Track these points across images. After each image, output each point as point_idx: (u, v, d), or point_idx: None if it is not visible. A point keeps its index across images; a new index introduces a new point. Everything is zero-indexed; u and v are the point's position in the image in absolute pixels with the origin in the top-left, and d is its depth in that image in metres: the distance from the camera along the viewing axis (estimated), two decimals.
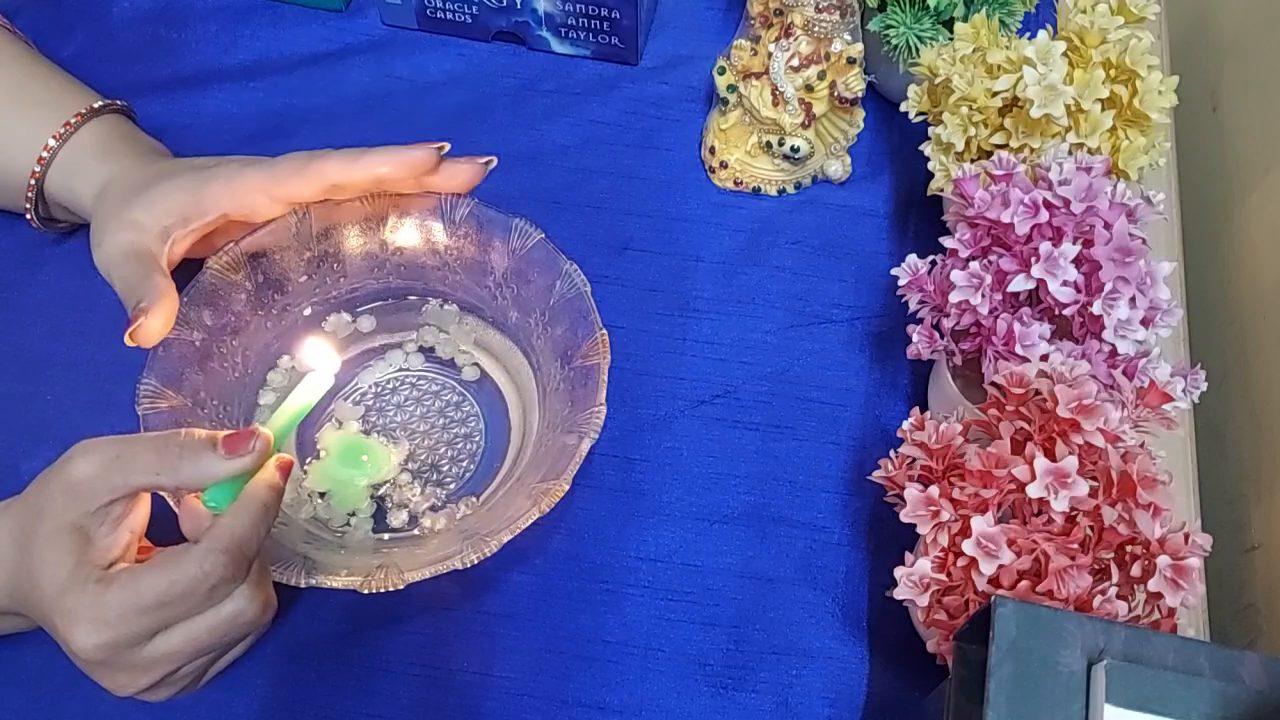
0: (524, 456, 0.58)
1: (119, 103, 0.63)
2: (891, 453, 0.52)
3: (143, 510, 0.46)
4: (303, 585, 0.49)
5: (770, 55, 0.67)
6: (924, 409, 0.56)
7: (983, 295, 0.53)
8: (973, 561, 0.46)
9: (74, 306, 0.65)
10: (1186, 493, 0.64)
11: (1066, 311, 0.52)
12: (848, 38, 0.67)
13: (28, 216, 0.62)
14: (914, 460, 0.51)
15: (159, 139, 0.65)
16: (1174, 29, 0.86)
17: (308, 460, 0.59)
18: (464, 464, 0.60)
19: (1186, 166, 0.80)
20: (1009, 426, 0.49)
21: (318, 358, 0.50)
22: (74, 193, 0.60)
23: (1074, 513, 0.47)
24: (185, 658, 0.45)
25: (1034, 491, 0.46)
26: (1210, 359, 0.72)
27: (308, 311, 0.62)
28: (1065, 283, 0.51)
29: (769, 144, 0.70)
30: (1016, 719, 0.37)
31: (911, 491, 0.49)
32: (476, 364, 0.63)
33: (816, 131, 0.70)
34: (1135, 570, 0.46)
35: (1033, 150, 0.60)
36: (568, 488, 0.51)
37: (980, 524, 0.46)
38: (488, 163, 0.59)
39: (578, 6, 0.73)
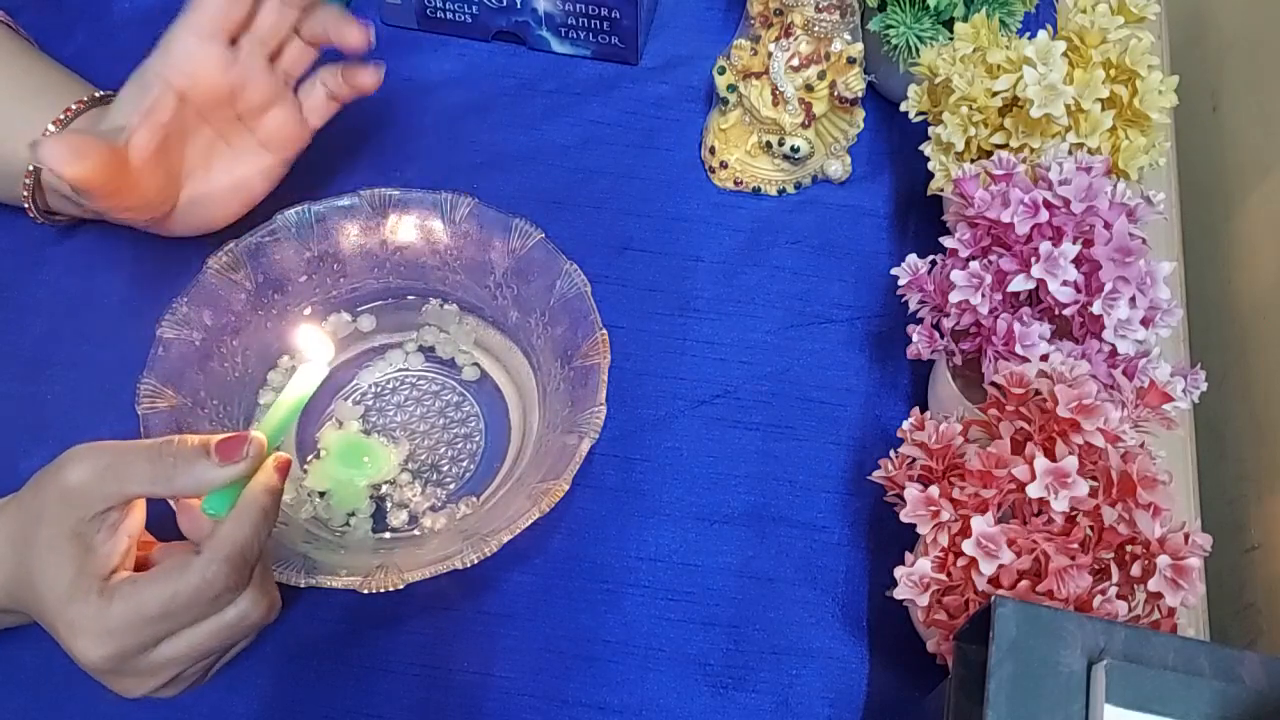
0: (524, 456, 0.58)
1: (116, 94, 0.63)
2: (891, 453, 0.52)
3: (139, 513, 0.46)
4: (303, 585, 0.49)
5: (770, 55, 0.67)
6: (924, 409, 0.56)
7: (983, 295, 0.53)
8: (973, 561, 0.46)
9: (74, 306, 0.65)
10: (1186, 493, 0.64)
11: (1066, 311, 0.52)
12: (848, 38, 0.67)
13: (26, 207, 0.62)
14: (914, 460, 0.51)
15: None
16: (1174, 29, 0.86)
17: (308, 459, 0.59)
18: (464, 464, 0.60)
19: (1186, 166, 0.80)
20: (1009, 426, 0.49)
21: (311, 346, 0.49)
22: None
23: (1074, 513, 0.47)
24: (192, 661, 0.45)
25: (1034, 491, 0.46)
26: (1210, 359, 0.72)
27: (308, 311, 0.62)
28: (1065, 283, 0.51)
29: (769, 144, 0.70)
30: (1016, 719, 0.37)
31: (911, 491, 0.49)
32: (476, 364, 0.63)
33: (816, 131, 0.70)
34: (1135, 570, 0.46)
35: (1033, 150, 0.60)
36: (568, 488, 0.51)
37: (980, 524, 0.46)
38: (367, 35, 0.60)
39: (578, 6, 0.73)
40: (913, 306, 0.57)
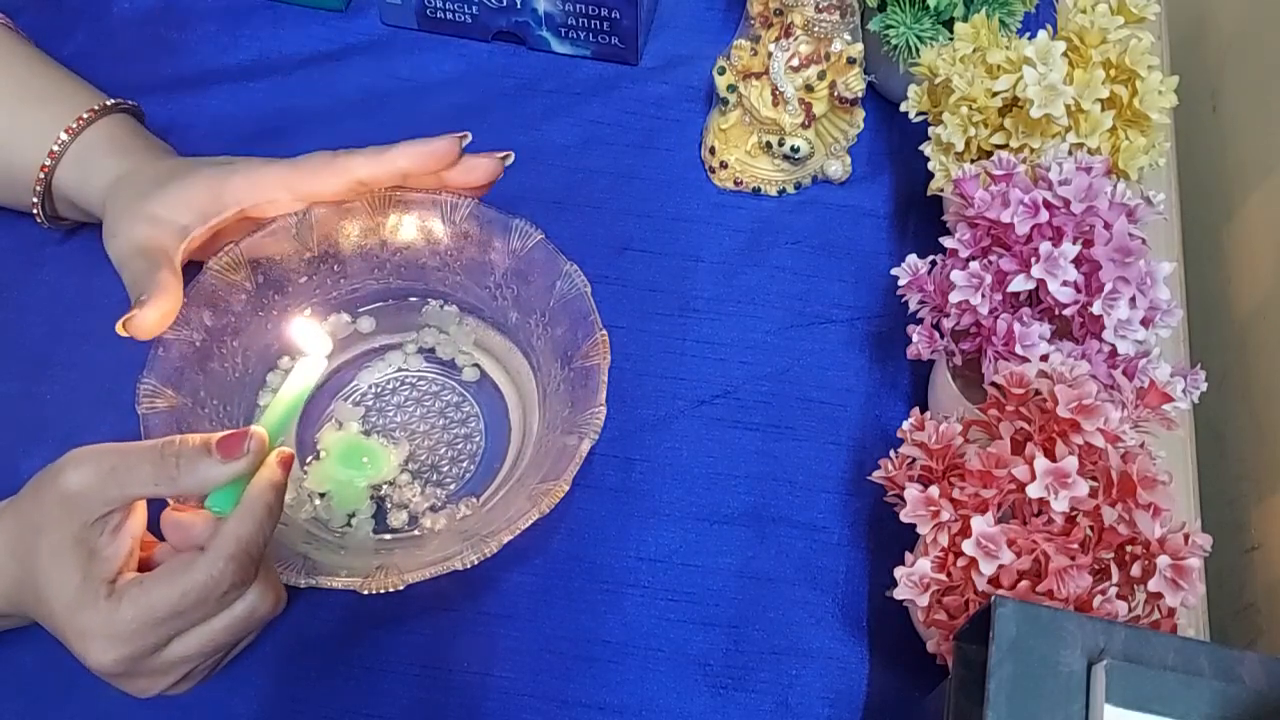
0: (524, 457, 0.58)
1: (130, 103, 0.63)
2: (891, 453, 0.52)
3: (141, 514, 0.46)
4: (303, 585, 0.49)
5: (770, 55, 0.67)
6: (924, 409, 0.56)
7: (983, 295, 0.53)
8: (973, 561, 0.46)
9: (74, 306, 0.65)
10: (1186, 493, 0.64)
11: (1066, 311, 0.52)
12: (848, 38, 0.67)
13: (34, 213, 0.62)
14: (914, 460, 0.51)
15: (161, 139, 0.65)
16: (1174, 29, 0.86)
17: (308, 460, 0.59)
18: (464, 464, 0.60)
19: (1186, 166, 0.80)
20: (1009, 426, 0.49)
21: (306, 340, 0.49)
22: (85, 187, 0.59)
23: (1074, 513, 0.47)
24: (203, 657, 0.45)
25: (1034, 491, 0.46)
26: (1210, 359, 0.72)
27: (308, 312, 0.62)
28: (1065, 283, 0.51)
29: (769, 144, 0.70)
30: (1016, 719, 0.37)
31: (911, 491, 0.49)
32: (477, 365, 0.63)
33: (816, 131, 0.70)
34: (1135, 570, 0.46)
35: (1033, 150, 0.60)
36: (568, 488, 0.51)
37: (980, 524, 0.46)
38: (505, 158, 0.60)
39: (578, 6, 0.73)
40: (913, 306, 0.57)
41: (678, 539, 0.59)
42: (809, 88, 0.67)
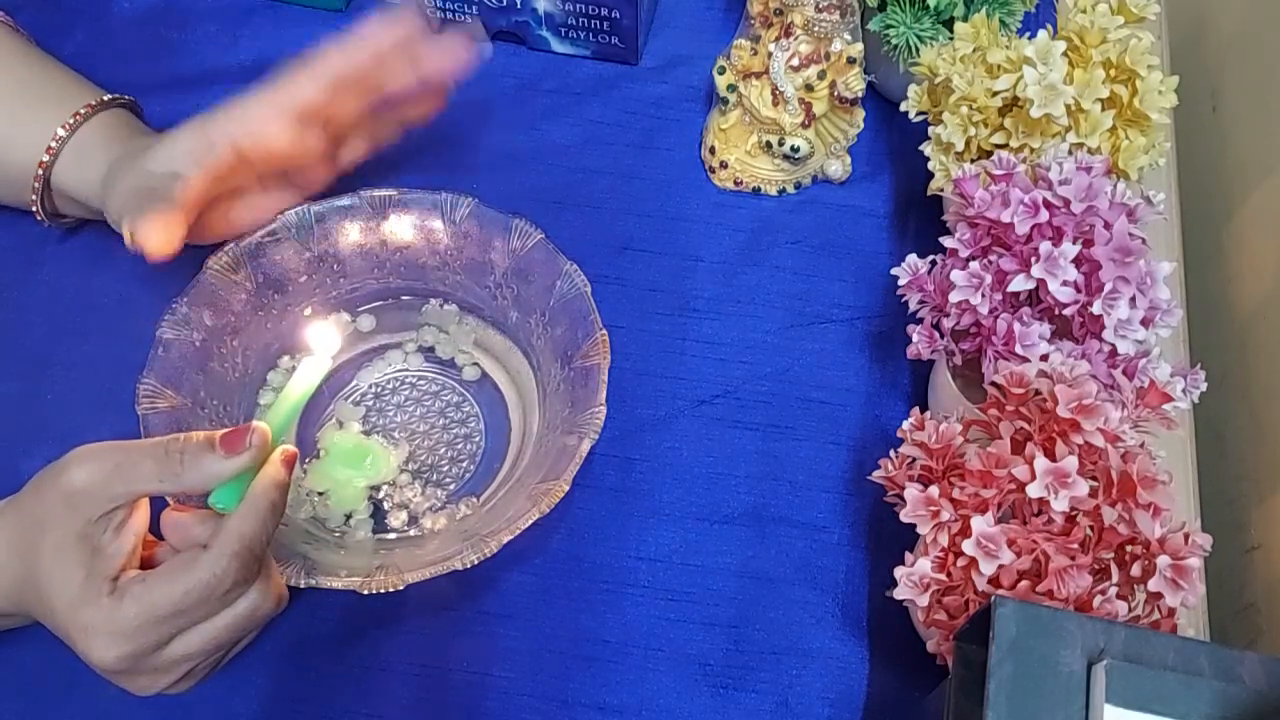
0: (524, 457, 0.58)
1: (127, 98, 0.64)
2: (891, 453, 0.52)
3: (144, 512, 0.46)
4: (302, 585, 0.49)
5: (770, 55, 0.67)
6: (924, 409, 0.56)
7: (983, 295, 0.53)
8: (973, 561, 0.46)
9: (74, 306, 0.65)
10: (1186, 493, 0.64)
11: (1066, 311, 0.52)
12: (848, 37, 0.67)
13: (34, 209, 0.62)
14: (914, 460, 0.51)
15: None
16: (1174, 29, 0.86)
17: (307, 459, 0.59)
18: (464, 464, 0.60)
19: (1186, 166, 0.80)
20: (1009, 426, 0.49)
21: (318, 340, 0.49)
22: (83, 181, 0.59)
23: (1074, 513, 0.47)
24: (205, 655, 0.45)
25: (1034, 491, 0.46)
26: (1210, 359, 0.72)
27: (308, 311, 0.62)
28: (1065, 283, 0.51)
29: (769, 144, 0.70)
30: (1016, 719, 0.37)
31: (911, 491, 0.49)
32: (477, 364, 0.63)
33: (816, 131, 0.70)
34: (1135, 570, 0.46)
35: (1033, 150, 0.60)
36: (568, 488, 0.51)
37: (980, 524, 0.46)
38: (476, 34, 0.59)
39: (578, 6, 0.73)
40: (913, 306, 0.57)
41: (678, 539, 0.59)
42: (809, 87, 0.67)
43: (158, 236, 0.52)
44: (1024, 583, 0.46)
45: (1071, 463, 0.46)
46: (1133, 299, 0.51)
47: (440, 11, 0.75)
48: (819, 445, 0.63)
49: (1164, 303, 0.52)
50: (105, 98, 0.61)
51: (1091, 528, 0.47)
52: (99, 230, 0.66)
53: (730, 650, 0.57)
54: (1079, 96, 0.58)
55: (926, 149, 0.64)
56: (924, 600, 0.48)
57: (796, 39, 0.66)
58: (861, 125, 0.70)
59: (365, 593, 0.49)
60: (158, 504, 0.47)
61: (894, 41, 0.69)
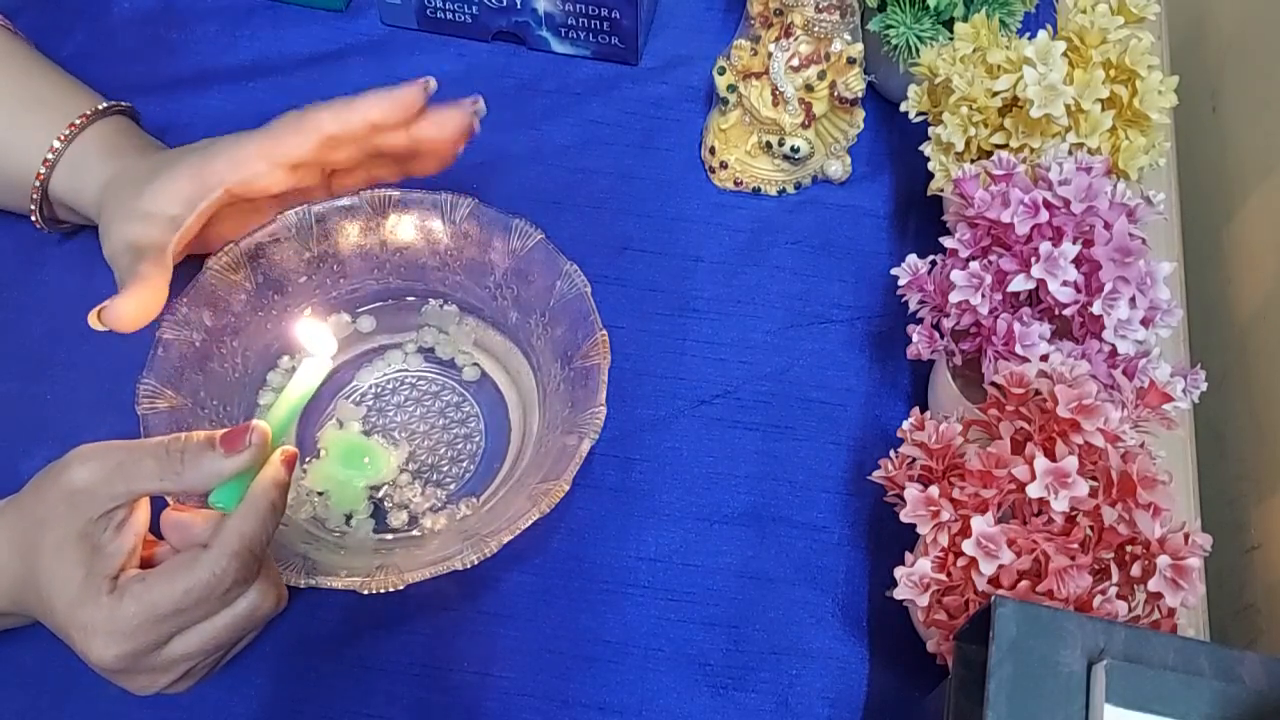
0: (524, 457, 0.58)
1: (124, 104, 0.63)
2: (891, 453, 0.52)
3: (144, 511, 0.46)
4: (302, 585, 0.49)
5: (770, 55, 0.67)
6: (924, 409, 0.56)
7: (983, 295, 0.53)
8: (973, 561, 0.46)
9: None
10: (1186, 493, 0.64)
11: (1066, 311, 0.52)
12: (848, 38, 0.67)
13: (32, 218, 0.62)
14: (914, 460, 0.51)
15: (159, 139, 0.65)
16: (1174, 29, 0.86)
17: (307, 459, 0.59)
18: (464, 464, 0.60)
19: (1186, 166, 0.80)
20: (1009, 426, 0.49)
21: (313, 341, 0.50)
22: (79, 192, 0.60)
23: (1074, 513, 0.47)
24: (204, 655, 0.45)
25: (1034, 491, 0.46)
26: (1210, 359, 0.72)
27: (308, 312, 0.62)
28: (1065, 283, 0.51)
29: (769, 144, 0.70)
30: (1016, 719, 0.37)
31: (911, 491, 0.49)
32: (477, 364, 0.63)
33: (816, 131, 0.70)
34: (1135, 570, 0.46)
35: (1033, 150, 0.60)
36: (568, 488, 0.51)
37: (980, 524, 0.46)
38: (475, 104, 0.59)
39: (578, 6, 0.73)
40: (913, 306, 0.57)
41: (678, 539, 0.59)
42: (809, 88, 0.67)
43: (134, 317, 0.53)
44: (1024, 583, 0.46)
45: (1071, 463, 0.46)
46: (1133, 299, 0.51)
47: (440, 11, 0.75)
48: (819, 445, 0.63)
49: (1164, 303, 0.52)
50: (101, 106, 0.61)
51: (1091, 528, 0.47)
52: (98, 231, 0.66)
53: (730, 650, 0.57)
54: (1079, 97, 0.58)
55: (926, 149, 0.64)
56: (924, 600, 0.48)
57: (796, 39, 0.66)
58: (861, 125, 0.70)
59: (365, 593, 0.49)
60: (158, 504, 0.47)
61: (894, 41, 0.69)
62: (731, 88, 0.69)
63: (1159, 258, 0.54)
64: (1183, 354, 0.69)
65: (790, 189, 0.72)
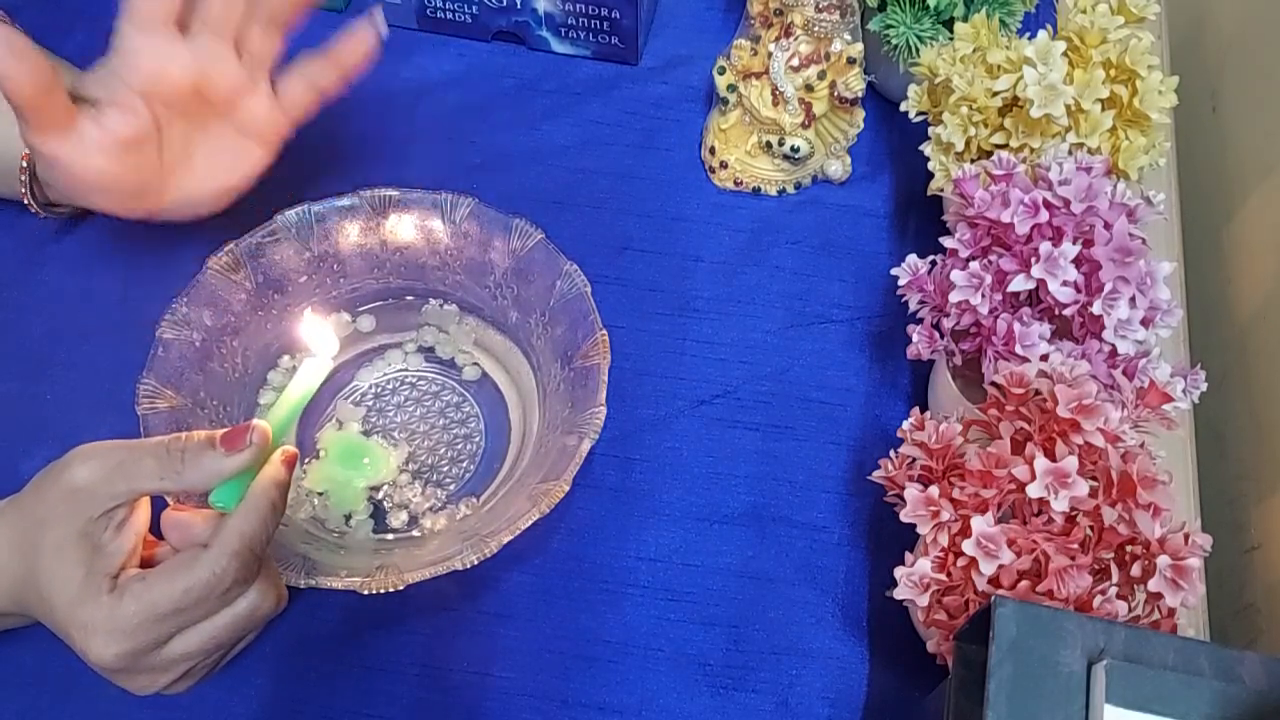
0: (524, 457, 0.58)
1: None
2: (891, 453, 0.52)
3: (144, 511, 0.46)
4: (302, 585, 0.49)
5: (770, 55, 0.67)
6: (924, 409, 0.56)
7: (983, 295, 0.53)
8: (973, 561, 0.46)
9: (74, 306, 0.65)
10: (1186, 493, 0.64)
11: (1066, 311, 0.52)
12: (848, 38, 0.67)
13: (24, 199, 0.61)
14: (914, 460, 0.51)
15: None
16: (1174, 29, 0.86)
17: (307, 460, 0.59)
18: (464, 464, 0.60)
19: (1186, 166, 0.80)
20: (1009, 426, 0.49)
21: (315, 340, 0.50)
22: None
23: (1074, 513, 0.47)
24: (204, 655, 0.45)
25: (1034, 491, 0.46)
26: (1210, 359, 0.72)
27: (308, 311, 0.62)
28: (1065, 283, 0.51)
29: (769, 144, 0.70)
30: (1016, 719, 0.37)
31: (911, 491, 0.49)
32: (477, 364, 0.63)
33: (816, 131, 0.70)
34: (1135, 570, 0.46)
35: (1033, 150, 0.60)
36: (568, 488, 0.51)
37: (980, 524, 0.46)
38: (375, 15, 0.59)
39: (578, 6, 0.73)
40: (913, 306, 0.57)
41: (678, 539, 0.59)
42: (809, 88, 0.67)
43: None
44: (1024, 583, 0.46)
45: (1071, 463, 0.46)
46: (1133, 299, 0.51)
47: (440, 11, 0.75)
48: (819, 445, 0.63)
49: (1164, 303, 0.52)
50: None
51: (1091, 528, 0.47)
52: (98, 229, 0.66)
53: (730, 650, 0.57)
54: (1079, 96, 0.58)
55: (926, 149, 0.64)
56: (924, 600, 0.48)
57: (796, 39, 0.67)
58: (861, 125, 0.70)
59: (365, 593, 0.49)
60: (158, 504, 0.47)
61: (894, 41, 0.69)
62: (731, 88, 0.69)
63: (1159, 258, 0.54)
64: (1183, 354, 0.69)
65: (790, 189, 0.72)
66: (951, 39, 0.64)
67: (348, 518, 0.58)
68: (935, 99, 0.64)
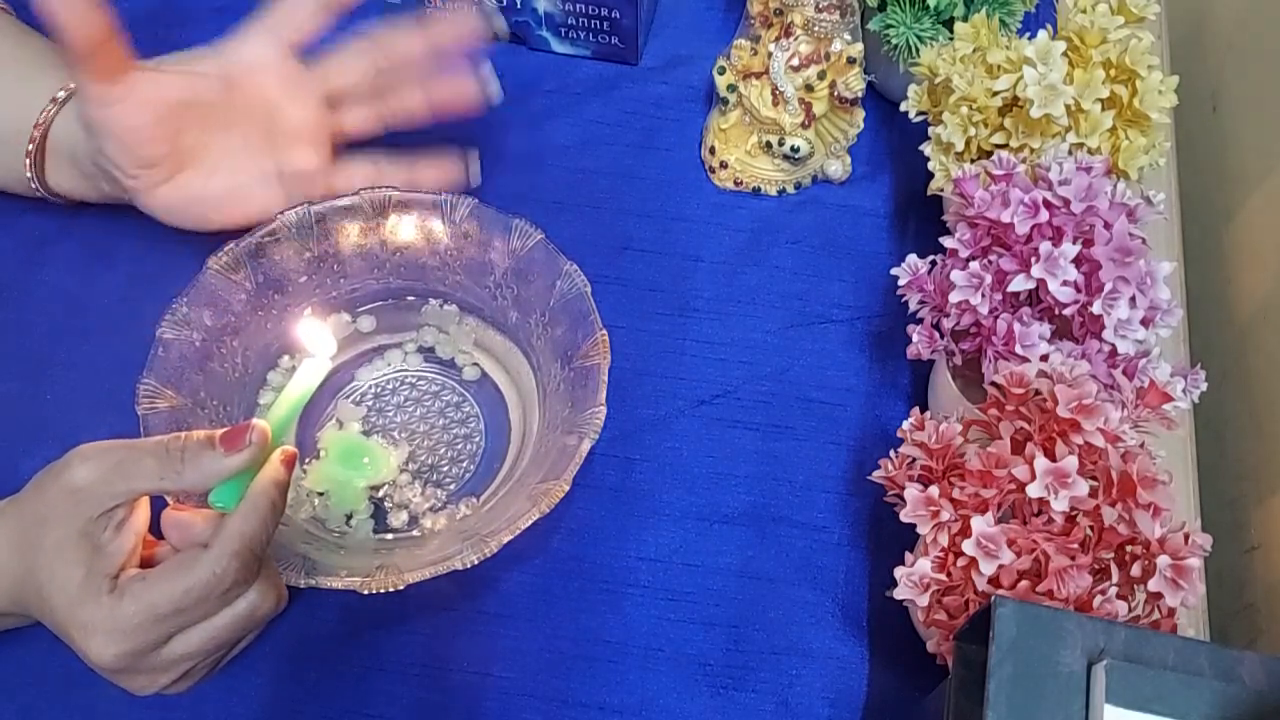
0: (524, 457, 0.58)
1: None
2: (891, 453, 0.52)
3: (144, 511, 0.46)
4: (302, 585, 0.49)
5: (770, 55, 0.67)
6: (924, 409, 0.56)
7: (983, 295, 0.53)
8: (973, 561, 0.46)
9: (74, 306, 0.65)
10: (1186, 493, 0.64)
11: (1066, 311, 0.52)
12: (848, 37, 0.67)
13: (29, 178, 0.61)
14: (914, 460, 0.51)
15: None
16: (1174, 29, 0.86)
17: (307, 460, 0.59)
18: (464, 464, 0.60)
19: (1186, 166, 0.80)
20: (1009, 426, 0.49)
21: (313, 341, 0.50)
22: (77, 137, 0.58)
23: (1074, 513, 0.47)
24: (204, 655, 0.45)
25: (1034, 491, 0.46)
26: (1210, 359, 0.72)
27: (308, 312, 0.62)
28: (1065, 283, 0.51)
29: (769, 144, 0.70)
30: (1016, 719, 0.37)
31: (911, 491, 0.49)
32: (477, 364, 0.63)
33: (816, 131, 0.70)
34: (1135, 570, 0.46)
35: (1033, 150, 0.60)
36: (568, 488, 0.51)
37: (980, 524, 0.46)
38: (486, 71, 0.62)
39: (578, 6, 0.73)
40: (913, 306, 0.57)
41: (678, 539, 0.59)
42: (809, 87, 0.67)
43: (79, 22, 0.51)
44: (1024, 583, 0.46)
45: (1071, 463, 0.46)
46: (1133, 299, 0.51)
47: (438, 11, 0.75)
48: (819, 445, 0.63)
49: (1164, 303, 0.52)
50: None
51: (1091, 528, 0.47)
52: (99, 230, 0.66)
53: (730, 650, 0.57)
54: (1079, 96, 0.58)
55: (926, 149, 0.64)
56: (924, 600, 0.48)
57: (796, 39, 0.67)
58: (861, 125, 0.70)
59: (365, 593, 0.49)
60: (158, 504, 0.47)
61: (894, 41, 0.69)
62: (731, 88, 0.69)
63: (1159, 258, 0.54)
64: (1183, 354, 0.69)
65: (790, 189, 0.72)
66: (951, 39, 0.64)
67: (348, 518, 0.58)
68: (935, 99, 0.64)
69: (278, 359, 0.61)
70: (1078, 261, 0.52)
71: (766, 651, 0.57)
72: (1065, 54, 0.59)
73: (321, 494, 0.58)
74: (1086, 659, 0.38)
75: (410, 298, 0.64)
